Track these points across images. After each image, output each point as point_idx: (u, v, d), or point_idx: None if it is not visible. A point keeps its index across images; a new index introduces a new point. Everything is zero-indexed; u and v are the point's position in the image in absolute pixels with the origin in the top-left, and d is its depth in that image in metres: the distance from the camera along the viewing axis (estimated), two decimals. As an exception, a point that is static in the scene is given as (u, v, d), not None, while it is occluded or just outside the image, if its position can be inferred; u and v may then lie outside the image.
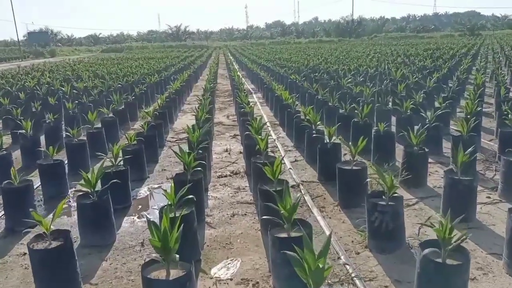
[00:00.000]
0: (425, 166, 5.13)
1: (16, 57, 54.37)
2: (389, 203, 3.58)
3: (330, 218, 4.43)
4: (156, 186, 5.77)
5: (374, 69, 14.31)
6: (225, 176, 5.99)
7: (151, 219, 2.90)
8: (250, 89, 15.39)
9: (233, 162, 6.66)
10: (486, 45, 35.38)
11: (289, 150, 7.19)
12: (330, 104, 8.83)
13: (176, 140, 8.25)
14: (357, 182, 4.55)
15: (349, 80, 11.42)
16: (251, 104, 8.80)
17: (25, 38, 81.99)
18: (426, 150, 5.13)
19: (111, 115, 8.64)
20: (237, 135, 8.52)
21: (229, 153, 7.20)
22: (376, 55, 23.41)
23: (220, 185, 5.64)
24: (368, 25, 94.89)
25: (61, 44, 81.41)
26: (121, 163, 5.20)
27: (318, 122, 6.65)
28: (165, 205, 3.59)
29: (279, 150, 7.25)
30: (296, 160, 6.60)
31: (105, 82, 11.96)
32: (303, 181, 5.57)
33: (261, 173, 4.68)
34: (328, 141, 5.58)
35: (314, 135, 6.25)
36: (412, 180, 4.96)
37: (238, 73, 16.69)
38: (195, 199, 3.61)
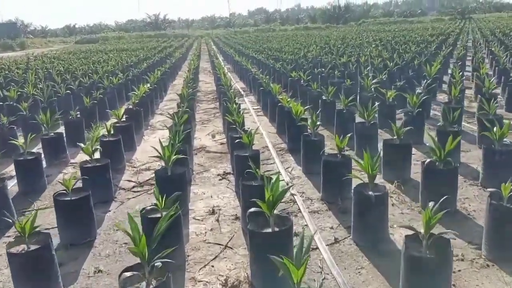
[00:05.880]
0: None
1: (-19, 50, 49.98)
2: None
3: None
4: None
5: (393, 62, 11.43)
6: (212, 293, 3.11)
7: None
8: (240, 89, 12.41)
9: (226, 246, 3.77)
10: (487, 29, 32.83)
11: (317, 212, 4.32)
12: (364, 122, 5.96)
13: (133, 187, 5.30)
14: None
15: (374, 81, 8.54)
16: (245, 117, 5.93)
17: (-6, 30, 76.82)
18: None
19: (35, 149, 5.66)
20: (228, 173, 5.62)
21: (218, 220, 4.29)
22: (380, 43, 20.59)
23: (201, 328, 2.76)
24: (354, 10, 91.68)
25: (32, 36, 76.47)
26: None
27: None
28: None
29: (298, 207, 4.38)
30: (336, 240, 3.72)
31: (45, 90, 8.84)
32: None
33: None
34: (423, 238, 2.69)
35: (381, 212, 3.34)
36: None
37: (225, 69, 13.68)
38: None
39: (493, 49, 13.93)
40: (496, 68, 10.70)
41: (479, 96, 7.57)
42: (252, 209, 3.10)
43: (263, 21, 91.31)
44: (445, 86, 10.28)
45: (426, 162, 4.11)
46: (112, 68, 14.40)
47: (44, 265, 3.05)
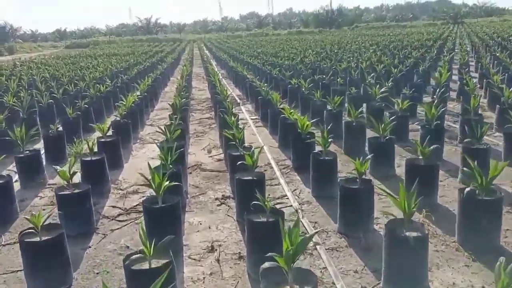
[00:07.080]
0: None
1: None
2: None
3: None
4: None
5: (397, 68, 10.84)
6: None
7: None
8: (236, 97, 11.75)
9: (229, 298, 3.09)
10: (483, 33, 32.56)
11: (336, 249, 3.66)
12: (378, 137, 5.33)
13: (118, 215, 4.60)
14: None
15: (382, 89, 7.91)
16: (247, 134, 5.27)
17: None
18: None
19: (10, 167, 4.95)
20: (228, 197, 4.94)
21: (218, 260, 3.61)
22: (377, 48, 20.07)
23: None
24: (347, 15, 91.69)
25: (21, 40, 75.18)
26: None
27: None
28: None
29: (317, 249, 3.71)
30: (363, 289, 3.07)
31: (25, 99, 8.10)
32: None
33: None
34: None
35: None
36: None
37: (219, 75, 13.04)
38: None
39: (497, 54, 13.44)
40: (506, 74, 10.16)
41: (497, 106, 7.01)
42: (266, 265, 2.43)
43: (255, 25, 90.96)
44: (451, 94, 9.75)
45: (466, 191, 3.48)
46: (100, 75, 13.67)
47: None
